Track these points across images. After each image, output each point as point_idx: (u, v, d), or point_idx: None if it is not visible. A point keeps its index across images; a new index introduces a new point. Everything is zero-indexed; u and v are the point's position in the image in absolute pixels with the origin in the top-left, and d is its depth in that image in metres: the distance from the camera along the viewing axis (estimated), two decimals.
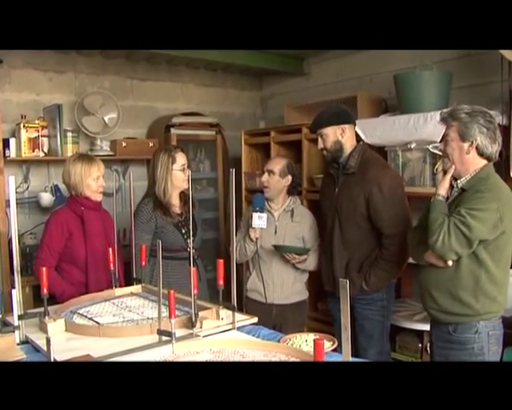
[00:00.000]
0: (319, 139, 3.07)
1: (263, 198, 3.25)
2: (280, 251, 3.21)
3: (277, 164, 3.33)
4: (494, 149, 2.38)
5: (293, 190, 3.37)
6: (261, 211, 3.15)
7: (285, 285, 3.30)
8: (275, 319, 3.23)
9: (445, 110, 2.56)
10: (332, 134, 3.01)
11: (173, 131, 4.63)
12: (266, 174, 3.33)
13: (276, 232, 3.30)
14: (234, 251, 2.32)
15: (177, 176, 3.19)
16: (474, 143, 2.35)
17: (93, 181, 3.01)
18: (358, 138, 3.33)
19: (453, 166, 2.41)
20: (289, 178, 3.32)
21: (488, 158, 2.39)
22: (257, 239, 3.20)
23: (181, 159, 3.22)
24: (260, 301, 3.26)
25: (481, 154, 2.37)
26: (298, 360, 1.83)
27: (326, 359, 1.61)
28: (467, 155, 2.37)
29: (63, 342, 2.07)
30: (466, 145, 2.37)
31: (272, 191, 3.32)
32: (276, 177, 3.29)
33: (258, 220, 3.12)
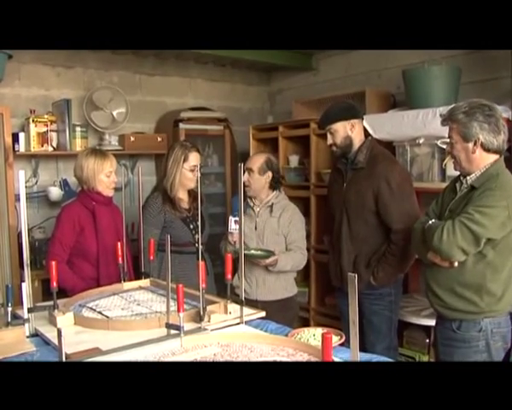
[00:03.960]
0: (328, 135, 3.06)
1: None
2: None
3: (256, 162, 3.30)
4: (500, 140, 2.33)
5: (276, 184, 3.33)
6: (236, 215, 3.10)
7: (267, 281, 3.26)
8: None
9: (444, 111, 2.54)
10: (342, 130, 3.00)
11: (181, 125, 4.62)
12: (246, 173, 3.30)
13: (256, 228, 3.29)
14: (241, 246, 2.33)
15: (186, 175, 3.19)
16: (478, 141, 2.31)
17: (105, 177, 2.99)
18: (367, 133, 3.33)
19: None
20: (269, 174, 3.28)
21: (496, 151, 2.35)
22: (235, 242, 3.16)
23: (193, 159, 3.21)
24: (244, 298, 3.19)
25: (488, 149, 2.33)
26: (305, 354, 1.83)
27: (333, 353, 1.62)
28: (473, 155, 2.34)
29: (72, 335, 2.08)
30: (470, 145, 2.34)
31: (253, 189, 3.31)
32: (255, 175, 3.27)
33: (235, 225, 3.11)
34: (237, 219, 3.05)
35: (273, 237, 3.25)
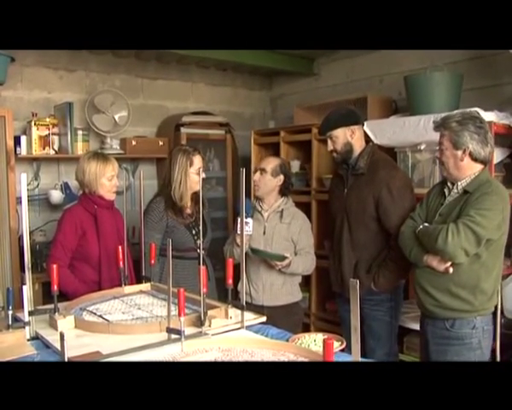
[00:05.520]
0: (329, 141, 3.06)
1: (249, 203, 3.21)
2: (255, 255, 3.18)
3: (270, 163, 3.30)
4: (487, 152, 2.47)
5: (285, 190, 3.33)
6: (247, 216, 3.06)
7: (274, 287, 3.25)
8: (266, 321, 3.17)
9: (436, 118, 2.66)
10: (342, 136, 3.01)
11: (183, 130, 4.64)
12: (258, 173, 3.30)
13: (264, 233, 3.28)
14: (243, 251, 2.33)
15: (193, 179, 3.18)
16: (467, 150, 2.45)
17: (107, 180, 3.00)
18: (368, 139, 3.33)
19: None
20: (281, 177, 3.28)
21: (482, 161, 2.49)
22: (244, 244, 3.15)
23: (198, 162, 3.21)
24: (250, 303, 3.15)
25: (475, 159, 2.46)
26: (307, 359, 1.83)
27: (335, 359, 1.61)
28: (461, 162, 2.47)
29: (73, 338, 2.08)
30: (459, 153, 2.47)
31: (263, 190, 3.29)
32: (267, 176, 3.26)
33: (244, 226, 3.08)
34: (247, 220, 3.04)
35: (282, 243, 3.24)
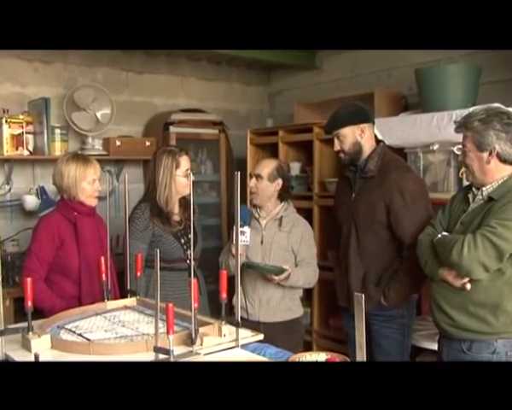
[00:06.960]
0: (335, 141, 3.05)
1: (247, 211, 3.18)
2: (250, 269, 3.16)
3: (265, 167, 3.28)
4: None
5: (285, 194, 3.32)
6: (244, 225, 3.03)
7: (272, 301, 3.24)
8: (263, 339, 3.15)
9: (459, 117, 2.58)
10: (350, 135, 3.00)
11: (172, 129, 4.64)
12: (254, 179, 3.28)
13: (262, 243, 3.26)
14: (238, 261, 2.32)
15: (180, 182, 3.17)
16: (493, 151, 2.36)
17: (88, 184, 2.98)
18: (378, 139, 3.32)
19: None
20: (279, 182, 3.26)
21: None
22: (240, 255, 3.13)
23: (185, 163, 3.20)
24: (246, 319, 3.13)
25: (504, 160, 2.38)
26: None
27: None
28: (488, 165, 2.39)
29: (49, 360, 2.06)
30: (485, 155, 2.38)
31: (261, 198, 3.27)
32: (264, 181, 3.24)
33: (241, 236, 3.02)
34: (244, 230, 3.01)
35: (281, 253, 3.23)
